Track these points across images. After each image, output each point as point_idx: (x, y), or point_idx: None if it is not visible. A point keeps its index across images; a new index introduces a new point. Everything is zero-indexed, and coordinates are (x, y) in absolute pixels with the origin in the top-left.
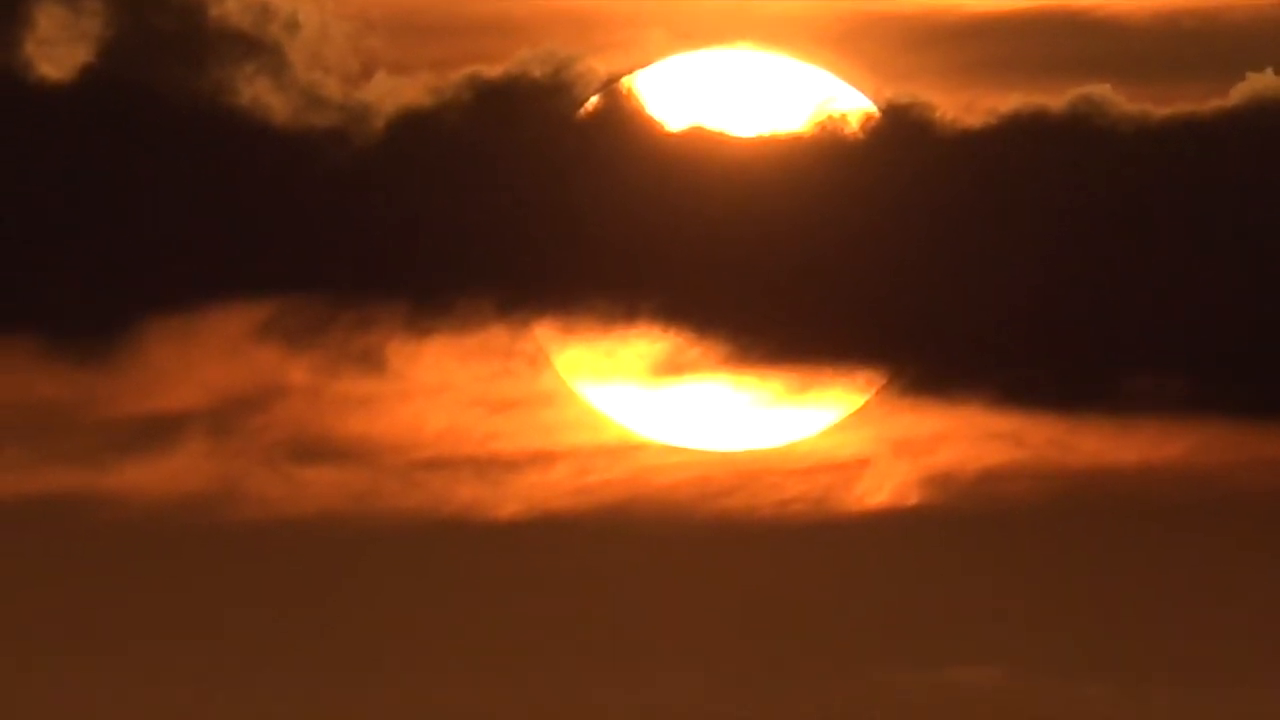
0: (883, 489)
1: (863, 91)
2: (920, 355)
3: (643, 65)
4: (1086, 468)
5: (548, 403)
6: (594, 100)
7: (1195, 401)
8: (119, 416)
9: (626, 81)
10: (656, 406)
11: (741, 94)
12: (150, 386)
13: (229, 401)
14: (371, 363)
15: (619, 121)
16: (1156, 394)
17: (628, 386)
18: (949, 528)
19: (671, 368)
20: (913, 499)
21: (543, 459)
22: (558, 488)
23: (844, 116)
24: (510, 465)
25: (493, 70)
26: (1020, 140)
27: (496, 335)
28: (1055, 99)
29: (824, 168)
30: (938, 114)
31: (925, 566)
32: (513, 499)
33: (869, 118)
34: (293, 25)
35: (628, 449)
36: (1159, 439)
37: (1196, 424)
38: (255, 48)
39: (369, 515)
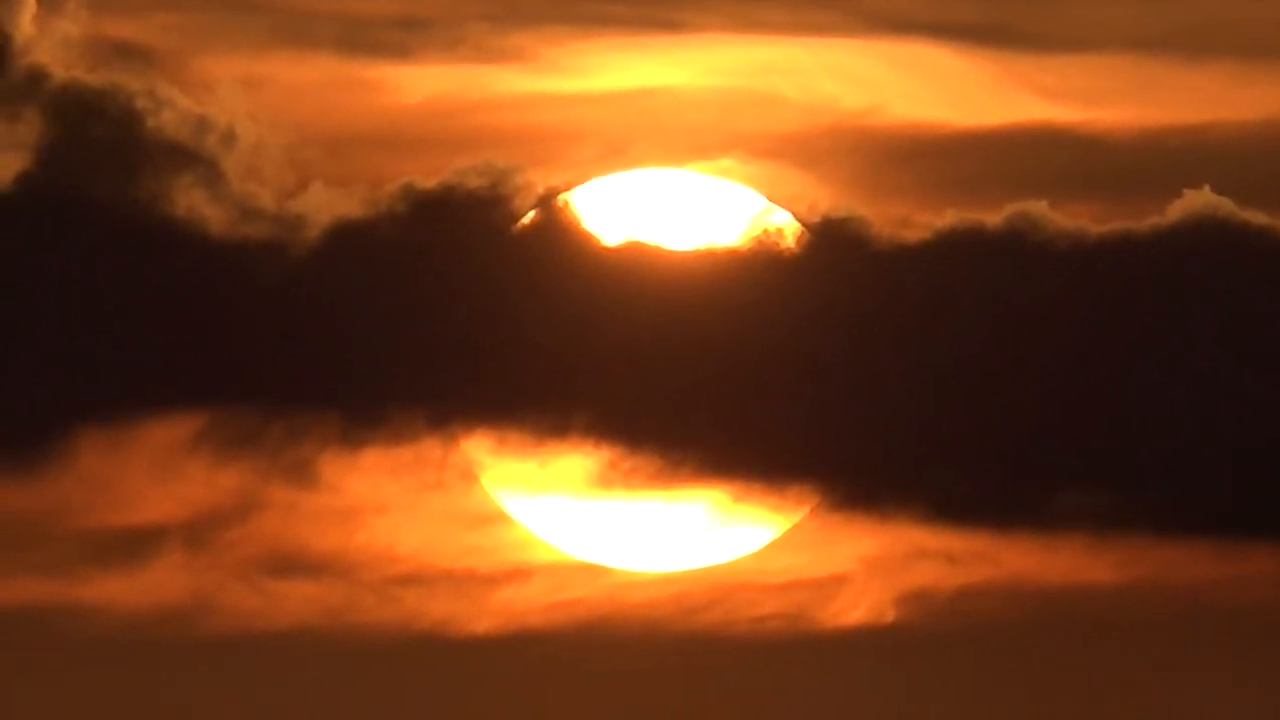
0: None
1: (797, 208)
2: (855, 471)
3: (580, 181)
4: (1060, 586)
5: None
6: (531, 214)
7: (1137, 518)
8: (87, 529)
9: (564, 196)
10: (605, 524)
11: (678, 211)
12: (74, 499)
13: (173, 516)
14: (306, 475)
15: (556, 235)
16: (1085, 511)
17: (558, 501)
18: (925, 645)
19: (603, 483)
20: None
21: (518, 575)
22: (532, 604)
23: (780, 231)
24: (486, 581)
25: (428, 182)
26: (956, 256)
27: (430, 448)
28: (991, 215)
29: (759, 283)
30: (874, 229)
31: (902, 683)
32: (488, 615)
33: (803, 233)
34: (229, 138)
35: (603, 565)
36: (1131, 557)
37: (1162, 542)
38: (192, 159)
39: (344, 630)
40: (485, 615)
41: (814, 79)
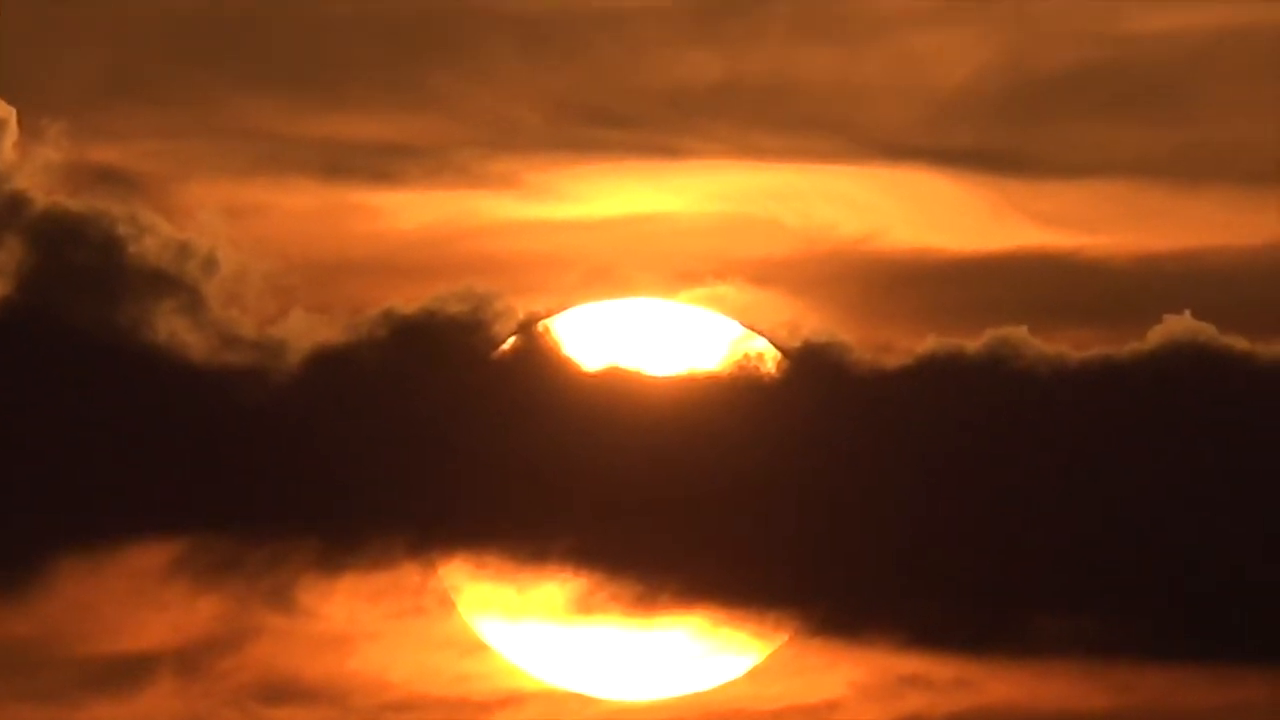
0: None
1: (779, 334)
2: (839, 598)
3: (561, 308)
4: (1053, 712)
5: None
6: (512, 340)
7: (1127, 645)
8: (76, 656)
9: (545, 322)
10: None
11: (661, 338)
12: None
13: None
14: (290, 602)
15: (536, 361)
16: (1076, 638)
17: (538, 628)
18: None
19: (582, 608)
20: None
21: (510, 702)
22: None
23: (760, 357)
24: (478, 708)
25: (409, 307)
26: (936, 381)
27: (409, 574)
28: (971, 340)
29: (738, 409)
30: (854, 355)
31: None
32: None
33: (783, 360)
34: (211, 264)
35: (595, 692)
36: (1128, 683)
37: (1153, 669)
38: (173, 285)
39: None
40: None
41: (812, 205)
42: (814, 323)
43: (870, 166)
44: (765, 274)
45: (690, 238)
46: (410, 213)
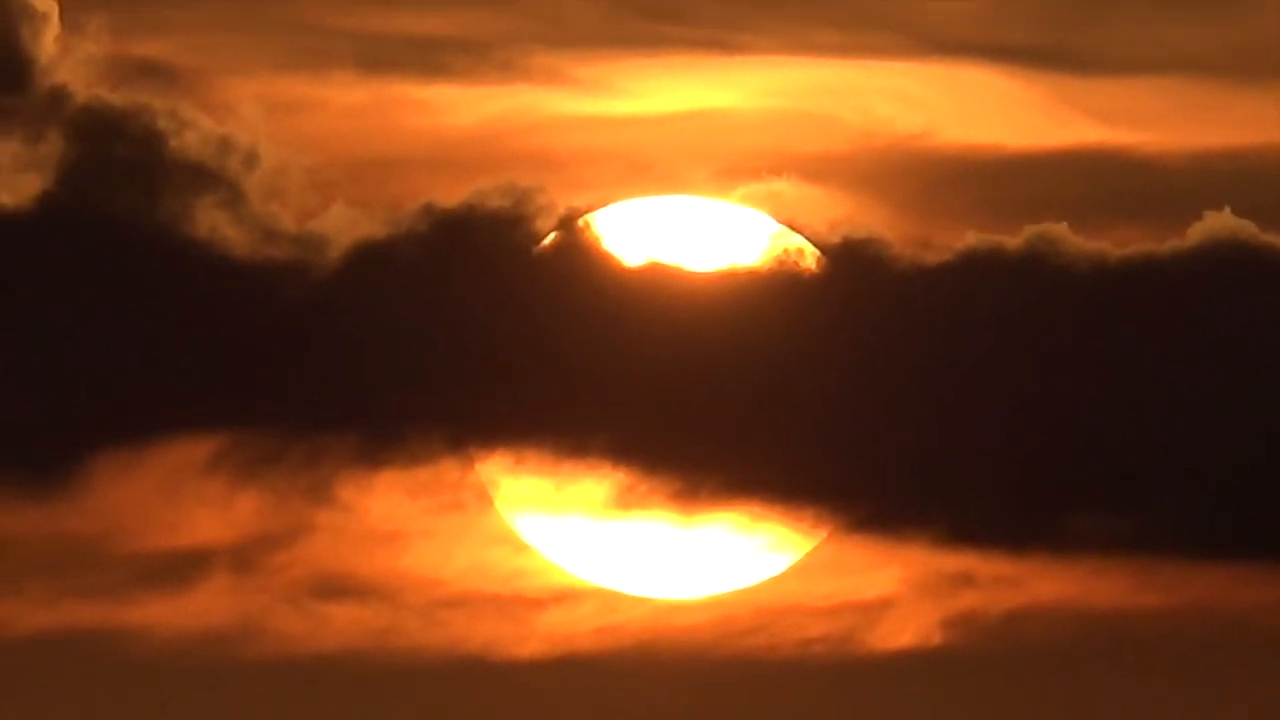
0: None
1: (820, 230)
2: (880, 494)
3: (602, 204)
4: (1108, 610)
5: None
6: (553, 235)
7: (1177, 542)
8: (133, 552)
9: (586, 217)
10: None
11: (698, 235)
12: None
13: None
14: (325, 496)
15: (577, 256)
16: (1110, 533)
17: (575, 522)
18: (971, 669)
19: (620, 504)
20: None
21: (567, 598)
22: (580, 626)
23: (799, 253)
24: (533, 604)
25: (449, 201)
26: (975, 278)
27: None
28: (1011, 237)
29: (777, 307)
30: (892, 251)
31: (947, 708)
32: (534, 638)
33: (821, 257)
34: (251, 158)
35: (647, 589)
36: (1178, 581)
37: (1208, 566)
38: (214, 180)
39: (390, 653)
40: (531, 639)
41: (868, 101)
42: (864, 219)
43: (927, 63)
44: (820, 170)
45: (744, 134)
46: (456, 108)
